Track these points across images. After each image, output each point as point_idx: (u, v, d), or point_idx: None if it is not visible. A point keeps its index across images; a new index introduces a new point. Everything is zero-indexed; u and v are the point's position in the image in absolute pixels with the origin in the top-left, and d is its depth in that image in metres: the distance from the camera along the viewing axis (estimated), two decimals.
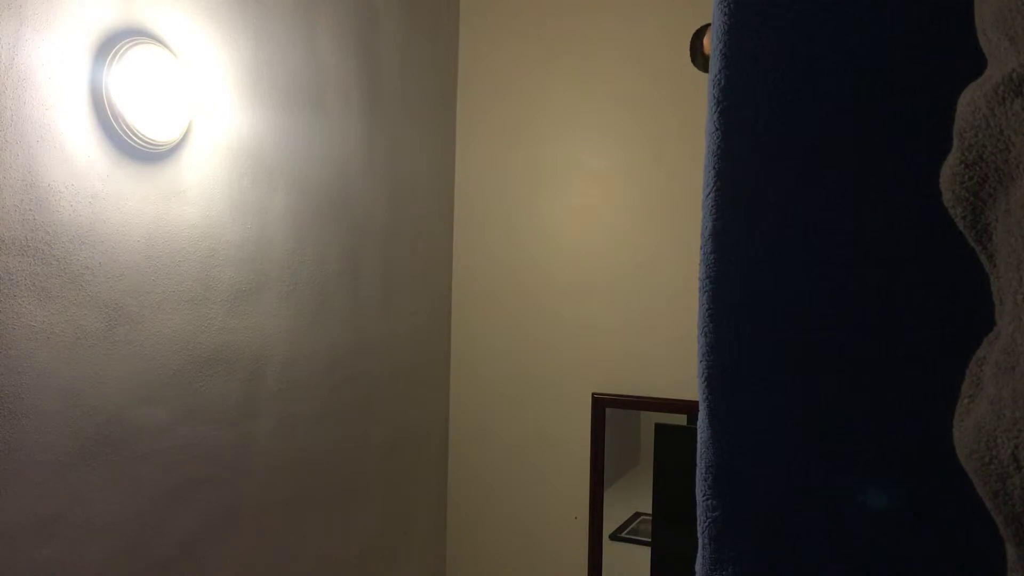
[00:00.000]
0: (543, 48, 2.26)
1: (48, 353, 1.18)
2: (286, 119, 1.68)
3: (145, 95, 1.30)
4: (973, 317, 0.38)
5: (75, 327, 1.22)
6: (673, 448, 2.05)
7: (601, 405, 2.15)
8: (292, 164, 1.69)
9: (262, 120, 1.61)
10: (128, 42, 1.27)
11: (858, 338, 0.46)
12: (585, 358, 2.19)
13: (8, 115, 1.11)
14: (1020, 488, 0.25)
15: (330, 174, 1.81)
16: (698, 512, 0.50)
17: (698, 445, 0.51)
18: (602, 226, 2.19)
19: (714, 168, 0.51)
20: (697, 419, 0.52)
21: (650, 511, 2.10)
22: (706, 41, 0.88)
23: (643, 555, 2.09)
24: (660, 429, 2.07)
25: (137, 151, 1.31)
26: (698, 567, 0.50)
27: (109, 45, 1.25)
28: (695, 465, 0.51)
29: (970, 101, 0.30)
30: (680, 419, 2.06)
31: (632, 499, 2.17)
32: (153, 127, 1.31)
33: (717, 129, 0.51)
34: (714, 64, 0.51)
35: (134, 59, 1.28)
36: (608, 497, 2.16)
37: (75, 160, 1.21)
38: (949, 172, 0.32)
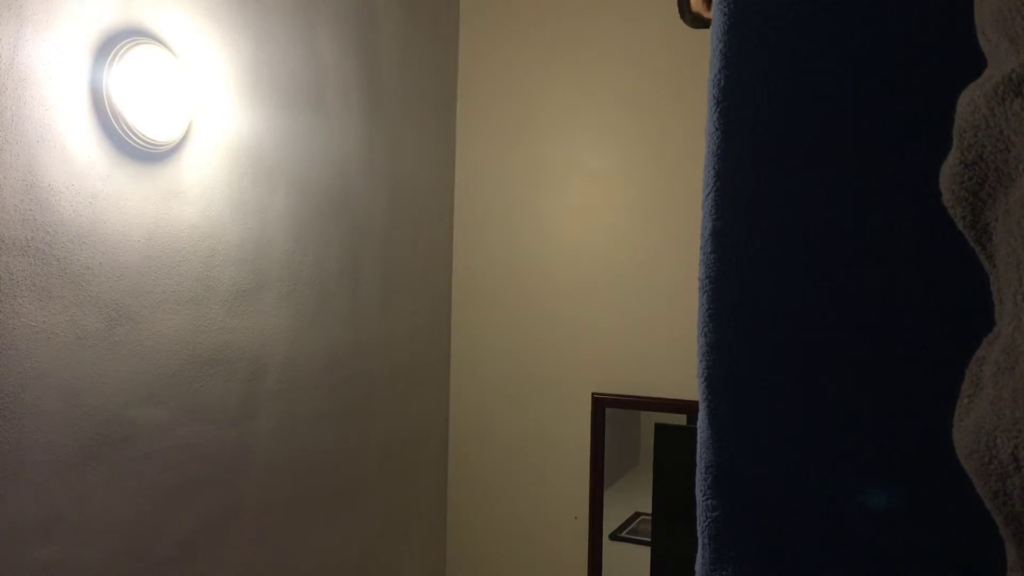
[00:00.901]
0: (543, 48, 2.26)
1: (48, 353, 1.18)
2: (286, 119, 1.68)
3: (145, 95, 1.30)
4: (973, 317, 0.38)
5: (75, 327, 1.22)
6: (673, 448, 2.05)
7: (601, 405, 2.15)
8: (292, 164, 1.69)
9: (262, 120, 1.61)
10: (128, 42, 1.27)
11: (858, 338, 0.46)
12: (585, 358, 2.19)
13: (8, 115, 1.11)
14: (1020, 488, 0.25)
15: (330, 174, 1.81)
16: (698, 512, 0.50)
17: (698, 445, 0.51)
18: (602, 226, 2.19)
19: (714, 168, 0.51)
20: (697, 419, 0.52)
21: (650, 511, 2.10)
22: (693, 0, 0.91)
23: (643, 555, 2.09)
24: (660, 429, 2.07)
25: (137, 151, 1.31)
26: (698, 567, 0.50)
27: (109, 45, 1.25)
28: (695, 465, 0.51)
29: (970, 101, 0.30)
30: (680, 419, 2.06)
31: (632, 499, 2.17)
32: (153, 127, 1.31)
33: (717, 129, 0.51)
34: (714, 64, 0.51)
35: (134, 59, 1.28)
36: (608, 497, 2.16)
37: (75, 160, 1.21)
38: (949, 172, 0.32)
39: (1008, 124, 0.28)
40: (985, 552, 0.41)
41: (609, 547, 2.16)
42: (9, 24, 1.11)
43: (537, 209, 2.26)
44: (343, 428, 1.87)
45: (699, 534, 0.50)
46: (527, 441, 2.26)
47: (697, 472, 0.51)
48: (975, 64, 0.33)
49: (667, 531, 2.06)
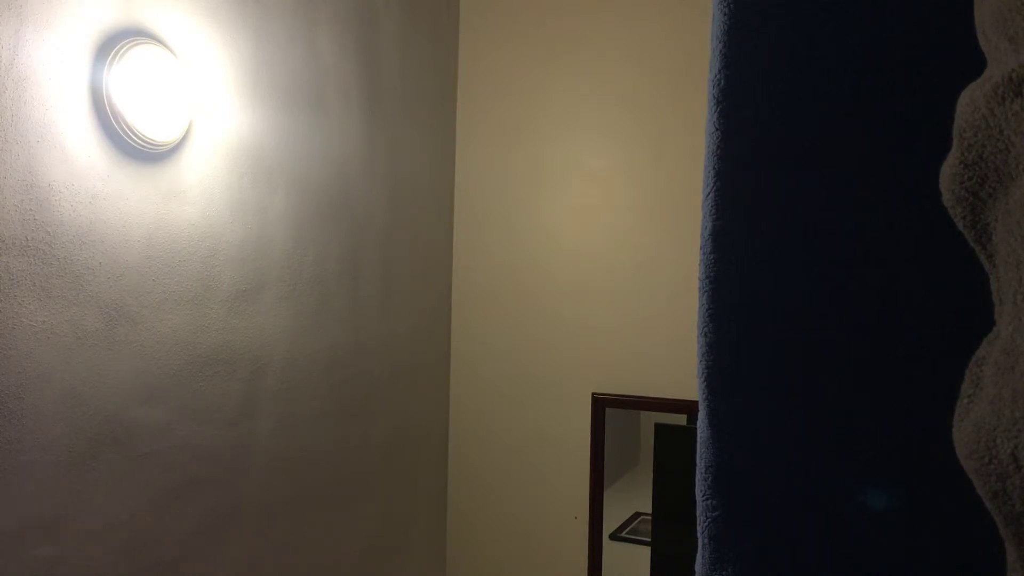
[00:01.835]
0: (543, 48, 2.26)
1: (48, 353, 1.18)
2: (286, 119, 1.68)
3: (145, 95, 1.30)
4: (973, 317, 0.38)
5: (75, 327, 1.22)
6: (673, 448, 2.05)
7: (601, 405, 2.15)
8: (292, 164, 1.69)
9: (262, 120, 1.61)
10: (128, 42, 1.27)
11: (858, 338, 0.46)
12: (585, 358, 2.19)
13: (8, 115, 1.12)
14: (1020, 488, 0.25)
15: (330, 174, 1.81)
16: (698, 512, 0.50)
17: (698, 445, 0.51)
18: (602, 226, 2.19)
19: (714, 168, 0.51)
20: (697, 419, 0.52)
21: (650, 511, 2.10)
22: None
23: (643, 555, 2.09)
24: (660, 429, 2.07)
25: (137, 151, 1.31)
26: (698, 567, 0.50)
27: (109, 45, 1.25)
28: (695, 465, 0.51)
29: (970, 101, 0.30)
30: (680, 419, 2.06)
31: (632, 499, 2.17)
32: (153, 127, 1.31)
33: (717, 129, 0.51)
34: (714, 64, 0.51)
35: (134, 59, 1.28)
36: (608, 497, 2.16)
37: (75, 160, 1.21)
38: (949, 172, 0.32)
39: (1008, 124, 0.28)
40: (985, 552, 0.41)
41: (609, 547, 2.16)
42: (9, 24, 1.11)
43: (537, 209, 2.26)
44: (343, 428, 1.87)
45: (699, 534, 0.50)
46: (527, 441, 2.26)
47: (697, 472, 0.51)
48: (975, 64, 0.33)
49: (667, 531, 2.06)
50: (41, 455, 1.17)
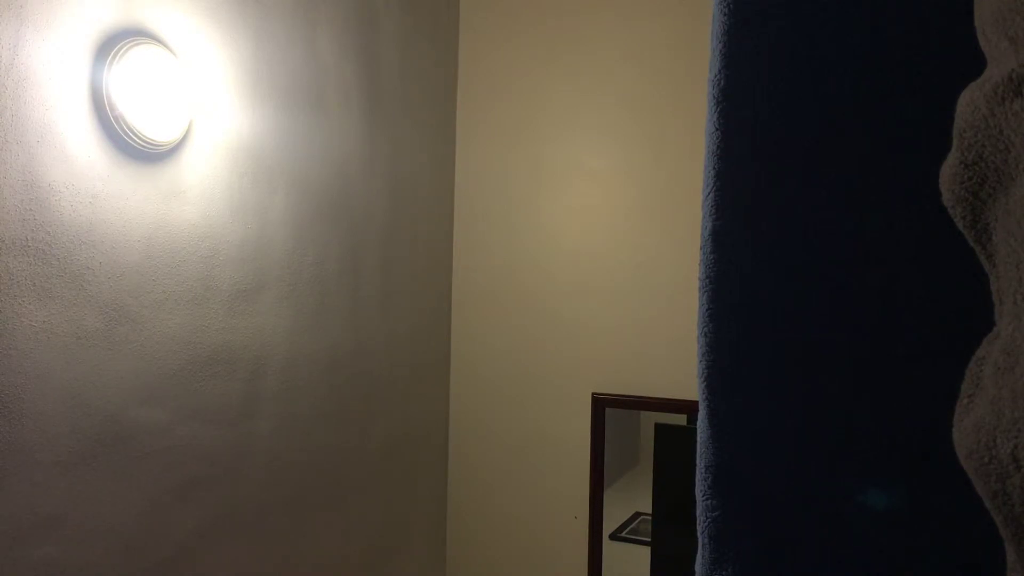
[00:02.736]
0: (543, 48, 2.26)
1: (48, 353, 1.18)
2: (286, 119, 1.68)
3: (145, 95, 1.30)
4: (973, 317, 0.38)
5: (75, 327, 1.22)
6: (673, 448, 2.05)
7: (601, 405, 2.15)
8: (292, 164, 1.69)
9: (262, 120, 1.61)
10: (128, 42, 1.27)
11: (858, 338, 0.46)
12: (585, 358, 2.19)
13: (8, 115, 1.12)
14: (1020, 488, 0.25)
15: (330, 174, 1.81)
16: (698, 512, 0.50)
17: (698, 445, 0.51)
18: (602, 226, 2.19)
19: (714, 168, 0.51)
20: (697, 419, 0.52)
21: (650, 511, 2.10)
22: None
23: (643, 555, 2.09)
24: (660, 429, 2.07)
25: (137, 151, 1.31)
26: (698, 567, 0.50)
27: (109, 45, 1.25)
28: (695, 465, 0.51)
29: (970, 101, 0.30)
30: (680, 419, 2.06)
31: (632, 499, 2.17)
32: (153, 127, 1.31)
33: (717, 129, 0.51)
34: (714, 64, 0.51)
35: (134, 59, 1.28)
36: (608, 497, 2.16)
37: (75, 160, 1.21)
38: (949, 172, 0.32)
39: (1008, 124, 0.28)
40: (985, 552, 0.41)
41: (609, 547, 2.16)
42: (9, 24, 1.11)
43: (537, 209, 2.26)
44: (343, 428, 1.87)
45: (699, 534, 0.50)
46: (527, 441, 2.26)
47: (697, 472, 0.51)
48: (975, 64, 0.33)
49: (667, 531, 2.06)
50: (41, 455, 1.17)
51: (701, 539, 0.50)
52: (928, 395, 0.44)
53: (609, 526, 2.16)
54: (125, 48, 1.26)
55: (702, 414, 0.51)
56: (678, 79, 2.08)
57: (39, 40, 1.15)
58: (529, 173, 2.27)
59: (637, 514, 2.17)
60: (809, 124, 0.48)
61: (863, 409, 0.45)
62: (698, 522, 0.50)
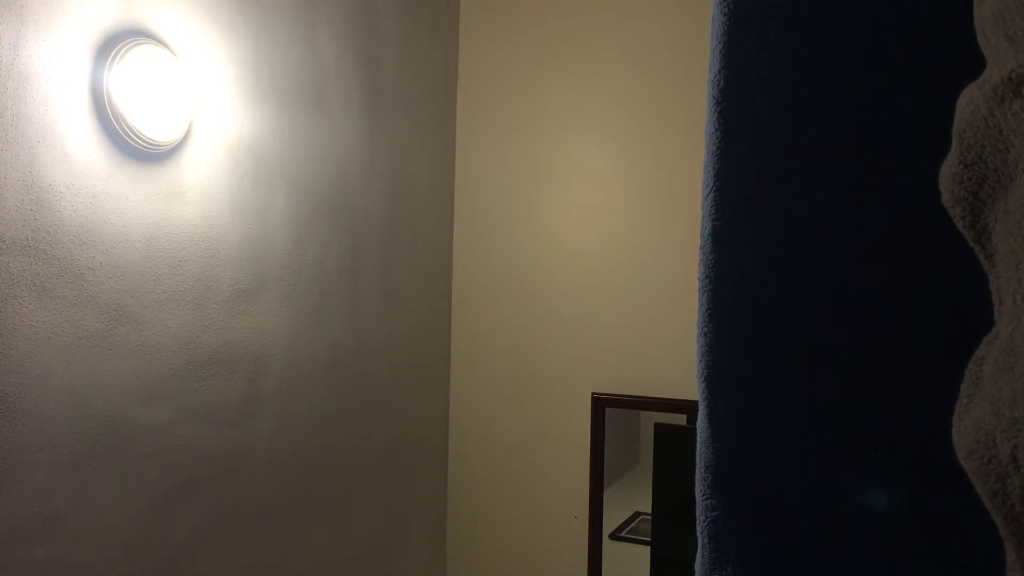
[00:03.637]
0: (543, 48, 2.26)
1: (49, 353, 1.18)
2: (286, 119, 1.68)
3: (146, 95, 1.30)
4: (973, 317, 0.38)
5: (76, 327, 1.22)
6: (673, 448, 2.05)
7: (601, 405, 2.15)
8: (292, 164, 1.69)
9: (262, 120, 1.61)
10: (129, 42, 1.27)
11: (858, 338, 0.46)
12: (585, 358, 2.19)
13: (9, 115, 1.12)
14: (1019, 488, 0.25)
15: (330, 174, 1.81)
16: (698, 512, 0.50)
17: (698, 445, 0.51)
18: (602, 226, 2.19)
19: (714, 168, 0.51)
20: (697, 419, 0.52)
21: (650, 511, 2.10)
22: None
23: (643, 555, 2.09)
24: (660, 429, 2.07)
25: (138, 151, 1.31)
26: (697, 566, 0.50)
27: (110, 45, 1.25)
28: (695, 465, 0.51)
29: (969, 101, 0.30)
30: (680, 419, 2.06)
31: (632, 499, 2.17)
32: (154, 127, 1.31)
33: (717, 129, 0.51)
34: (714, 64, 0.51)
35: (135, 59, 1.28)
36: (608, 497, 2.16)
37: (76, 160, 1.21)
38: (948, 172, 0.32)
39: (1008, 124, 0.28)
40: (985, 552, 0.41)
41: (609, 547, 2.16)
42: (10, 24, 1.11)
43: (537, 209, 2.26)
44: (343, 428, 1.87)
45: (699, 533, 0.50)
46: (527, 441, 2.26)
47: (697, 472, 0.51)
48: (975, 64, 0.33)
49: (667, 531, 2.06)
50: (41, 455, 1.17)
51: (701, 539, 0.50)
52: (928, 395, 0.44)
53: (609, 526, 2.16)
54: (125, 48, 1.26)
55: (702, 414, 0.51)
56: (678, 79, 2.08)
57: (40, 40, 1.15)
58: (529, 173, 2.27)
59: (637, 514, 2.17)
60: (809, 124, 0.48)
61: (863, 409, 0.45)
62: (698, 522, 0.50)
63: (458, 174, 2.38)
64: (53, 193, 1.17)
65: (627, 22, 2.15)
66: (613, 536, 2.16)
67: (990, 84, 0.29)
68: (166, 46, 1.36)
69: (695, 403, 0.52)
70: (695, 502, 0.51)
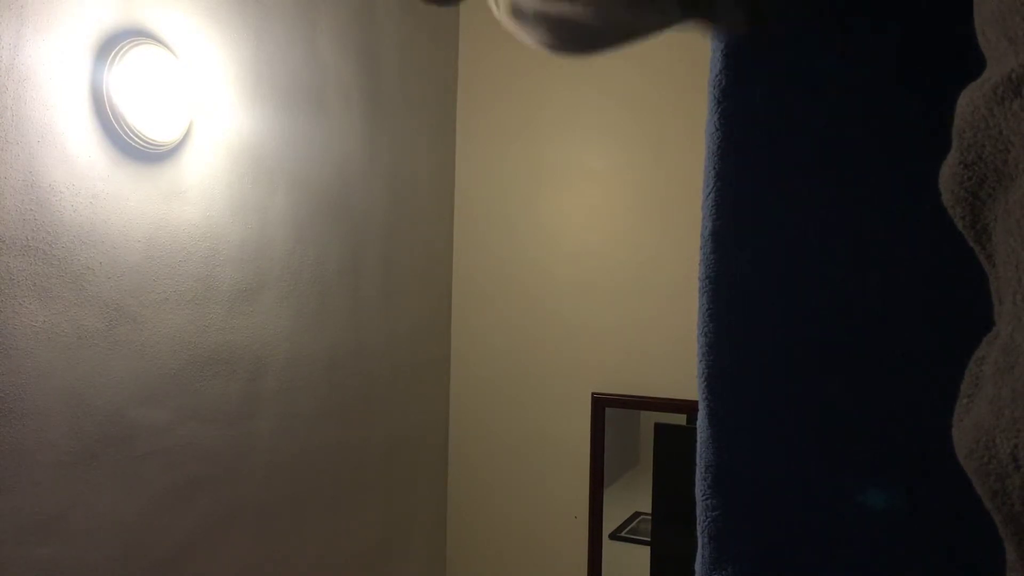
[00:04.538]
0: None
1: (49, 353, 1.18)
2: (286, 119, 1.68)
3: (146, 95, 1.30)
4: (973, 317, 0.38)
5: (76, 327, 1.22)
6: (673, 448, 2.05)
7: (601, 405, 2.15)
8: (292, 164, 1.69)
9: (262, 120, 1.61)
10: (129, 42, 1.27)
11: (858, 338, 0.46)
12: (585, 358, 2.19)
13: (9, 115, 1.12)
14: (1019, 488, 0.25)
15: (330, 174, 1.81)
16: (698, 512, 0.50)
17: (698, 445, 0.51)
18: (602, 226, 2.19)
19: (714, 168, 0.51)
20: (697, 419, 0.52)
21: (650, 511, 2.10)
22: None
23: (643, 555, 2.09)
24: (660, 429, 2.07)
25: (138, 151, 1.31)
26: (698, 566, 0.50)
27: (110, 45, 1.25)
28: (695, 465, 0.51)
29: (969, 101, 0.30)
30: (680, 419, 2.06)
31: (632, 499, 2.17)
32: (154, 127, 1.31)
33: (717, 129, 0.51)
34: (714, 64, 0.51)
35: (135, 59, 1.28)
36: (608, 497, 2.16)
37: (76, 160, 1.21)
38: (948, 172, 0.32)
39: (1008, 124, 0.28)
40: (985, 552, 0.41)
41: (609, 547, 2.16)
42: (10, 25, 1.11)
43: (537, 209, 2.26)
44: (343, 428, 1.87)
45: (699, 533, 0.50)
46: (527, 441, 2.26)
47: (697, 472, 0.51)
48: (975, 64, 0.33)
49: (667, 531, 2.06)
50: (41, 455, 1.17)
51: (701, 539, 0.50)
52: (928, 395, 0.44)
53: (609, 526, 2.16)
54: (125, 48, 1.26)
55: (702, 414, 0.51)
56: (678, 79, 2.08)
57: (40, 40, 1.15)
58: (529, 173, 2.27)
59: (637, 514, 2.17)
60: (809, 124, 0.48)
61: (863, 409, 0.45)
62: (698, 522, 0.50)
63: (458, 174, 2.38)
64: (53, 193, 1.17)
65: None
66: (613, 536, 2.16)
67: (990, 84, 0.29)
68: (166, 46, 1.36)
69: (695, 403, 0.52)
70: (695, 502, 0.51)
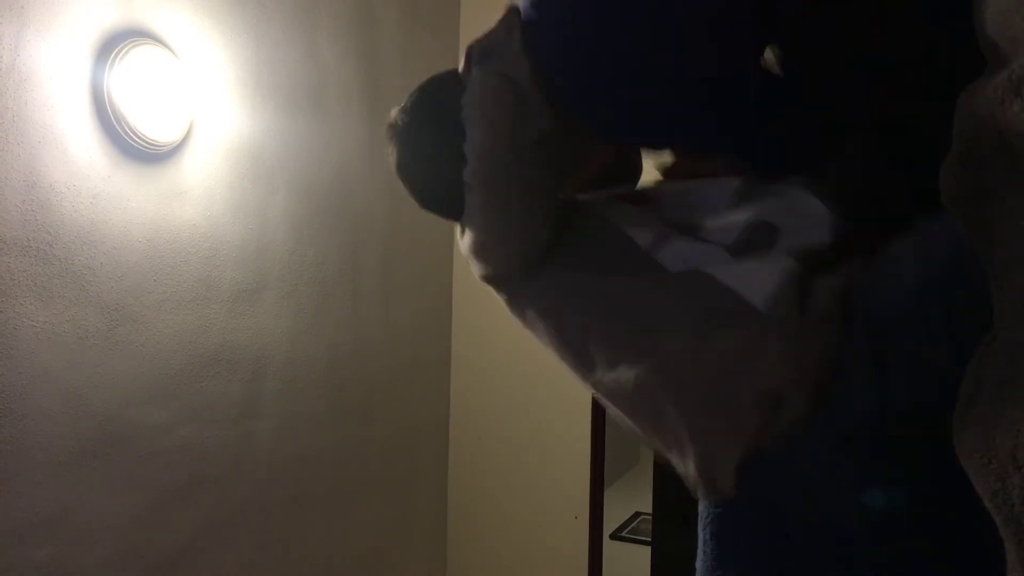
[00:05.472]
0: None
1: (50, 353, 1.18)
2: (286, 119, 1.68)
3: (146, 96, 1.30)
4: (973, 318, 0.38)
5: (77, 327, 1.22)
6: None
7: (601, 404, 2.14)
8: (292, 164, 1.69)
9: (262, 120, 1.61)
10: (129, 43, 1.27)
11: (858, 340, 0.46)
12: None
13: (10, 116, 1.12)
14: (1019, 488, 0.25)
15: (330, 174, 1.81)
16: (699, 510, 0.51)
17: None
18: None
19: None
20: None
21: (650, 510, 2.10)
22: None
23: (643, 554, 2.09)
24: None
25: (138, 152, 1.31)
26: (699, 565, 0.50)
27: (110, 46, 1.25)
28: None
29: (970, 101, 0.30)
30: None
31: (632, 498, 2.17)
32: (154, 128, 1.31)
33: None
34: None
35: (135, 60, 1.28)
36: (608, 496, 2.16)
37: (77, 161, 1.21)
38: (949, 172, 0.32)
39: (1008, 124, 0.28)
40: (985, 552, 0.41)
41: (609, 547, 2.16)
42: (11, 25, 1.11)
43: None
44: (343, 428, 1.87)
45: (700, 531, 0.50)
46: (527, 441, 2.26)
47: None
48: (975, 64, 0.33)
49: (668, 530, 2.06)
50: (41, 455, 1.17)
51: (702, 537, 0.50)
52: (928, 396, 0.44)
53: (609, 526, 2.16)
54: (126, 49, 1.26)
55: None
56: None
57: (40, 41, 1.15)
58: None
59: (637, 513, 2.17)
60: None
61: (865, 410, 0.46)
62: (700, 520, 0.50)
63: None
64: (54, 193, 1.17)
65: None
66: (613, 536, 2.17)
67: (990, 84, 0.29)
68: (167, 46, 1.36)
69: None
70: (696, 501, 0.51)
